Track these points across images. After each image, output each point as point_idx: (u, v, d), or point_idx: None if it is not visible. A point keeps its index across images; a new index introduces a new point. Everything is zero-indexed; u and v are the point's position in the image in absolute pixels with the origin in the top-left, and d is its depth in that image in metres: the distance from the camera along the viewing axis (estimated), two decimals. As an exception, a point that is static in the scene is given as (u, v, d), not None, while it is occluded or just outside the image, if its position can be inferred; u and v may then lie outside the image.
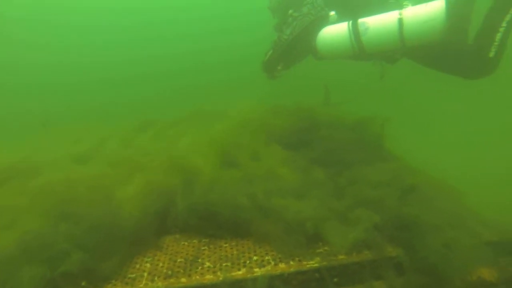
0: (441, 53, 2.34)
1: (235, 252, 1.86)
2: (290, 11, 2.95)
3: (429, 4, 2.17)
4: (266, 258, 1.78)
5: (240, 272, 1.68)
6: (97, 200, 2.03)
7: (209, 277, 1.64)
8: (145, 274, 1.72)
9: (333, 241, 1.84)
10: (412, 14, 2.21)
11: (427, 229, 1.79)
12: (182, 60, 13.63)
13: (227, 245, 1.94)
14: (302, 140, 3.06)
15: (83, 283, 1.66)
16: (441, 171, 2.73)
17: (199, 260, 1.80)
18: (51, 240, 1.77)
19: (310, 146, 2.99)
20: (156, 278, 1.67)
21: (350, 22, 2.51)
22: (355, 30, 2.45)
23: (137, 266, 1.80)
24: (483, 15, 2.18)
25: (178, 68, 13.25)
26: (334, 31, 2.63)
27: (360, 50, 2.52)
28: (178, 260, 1.81)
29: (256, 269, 1.69)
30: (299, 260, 1.75)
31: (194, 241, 1.98)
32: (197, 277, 1.65)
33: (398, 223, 1.88)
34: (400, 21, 2.23)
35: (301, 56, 3.12)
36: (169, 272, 1.71)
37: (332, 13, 2.75)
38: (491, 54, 2.03)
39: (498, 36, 2.00)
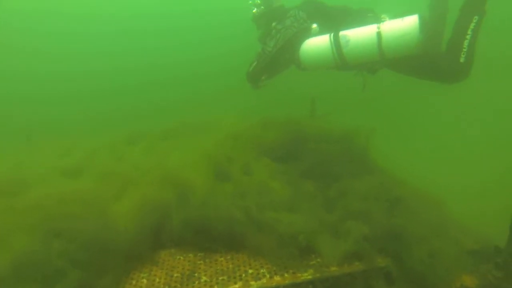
0: (418, 63, 2.49)
1: (230, 266, 1.89)
2: (274, 24, 3.05)
3: (405, 19, 2.33)
4: (261, 271, 1.83)
5: (236, 286, 1.72)
6: (91, 216, 2.02)
7: (206, 292, 1.67)
8: (142, 290, 1.73)
9: (325, 253, 1.91)
10: (389, 28, 2.36)
11: (413, 239, 1.89)
12: (167, 71, 13.60)
13: (222, 258, 1.97)
14: (291, 153, 3.14)
15: (79, 301, 1.65)
16: (423, 179, 2.88)
17: (196, 275, 1.82)
18: (44, 258, 1.76)
19: (299, 159, 3.07)
20: (153, 294, 1.69)
21: (332, 34, 2.62)
22: (336, 43, 2.56)
23: (134, 282, 1.81)
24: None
25: (163, 79, 13.20)
26: (317, 43, 2.72)
27: (341, 61, 2.62)
28: (175, 275, 1.83)
29: (252, 282, 1.73)
30: (293, 273, 1.80)
31: (190, 255, 2.01)
32: (195, 291, 1.67)
33: (387, 234, 1.97)
34: (379, 34, 2.37)
35: (285, 66, 3.21)
36: (166, 288, 1.73)
37: (314, 25, 2.85)
38: (462, 60, 2.23)
39: (466, 43, 2.20)
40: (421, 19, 2.27)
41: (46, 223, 1.97)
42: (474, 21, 2.17)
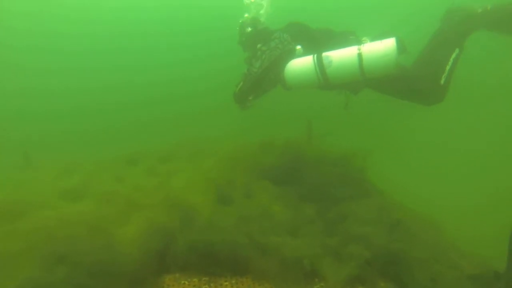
0: (399, 83, 2.62)
1: (235, 290, 1.90)
2: (259, 46, 3.14)
3: (383, 41, 2.47)
4: (266, 295, 1.84)
5: (242, 311, 1.72)
6: (95, 239, 2.02)
7: (212, 317, 1.67)
8: (147, 316, 1.72)
9: (329, 277, 1.94)
10: (369, 50, 2.48)
11: (414, 263, 1.93)
12: (157, 89, 13.66)
13: (227, 283, 1.98)
14: (290, 175, 3.20)
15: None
16: (420, 200, 2.95)
17: (201, 300, 1.82)
18: (49, 284, 1.74)
19: (298, 181, 3.13)
20: (159, 320, 1.68)
21: (315, 55, 2.71)
22: (320, 63, 2.65)
23: (139, 307, 1.80)
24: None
25: (154, 97, 13.20)
26: (301, 64, 2.81)
27: (325, 81, 2.71)
28: (180, 300, 1.83)
29: (258, 307, 1.74)
30: (298, 297, 1.82)
31: (195, 279, 2.01)
32: (201, 317, 1.67)
33: (388, 258, 2.01)
34: (360, 55, 2.49)
35: (271, 86, 3.27)
36: (172, 313, 1.72)
37: (298, 47, 2.94)
38: (442, 81, 2.40)
39: (447, 67, 2.40)
40: (398, 41, 2.41)
41: (49, 246, 1.96)
42: (456, 52, 2.39)
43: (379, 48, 2.44)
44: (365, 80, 2.61)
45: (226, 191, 2.69)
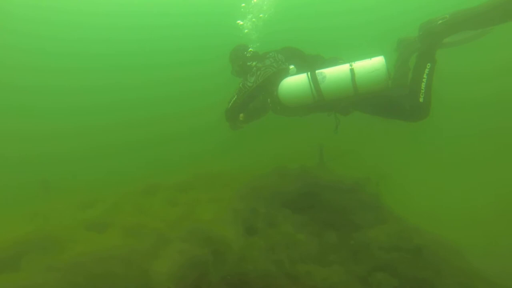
0: (386, 103, 2.79)
1: (271, 322, 1.96)
2: (254, 63, 3.27)
3: (373, 59, 2.66)
4: (302, 327, 1.90)
5: None
6: (132, 274, 2.09)
7: None
8: None
9: (361, 306, 2.01)
10: (360, 66, 2.66)
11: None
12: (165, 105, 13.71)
13: (262, 314, 2.03)
14: (308, 202, 3.28)
15: None
16: (439, 223, 3.02)
17: (239, 333, 1.87)
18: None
19: (317, 208, 3.22)
20: None
21: (309, 72, 2.82)
22: (314, 79, 2.79)
23: None
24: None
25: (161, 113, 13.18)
26: (295, 80, 2.93)
27: (319, 97, 2.82)
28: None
29: None
30: (333, 328, 1.88)
31: (230, 311, 2.06)
32: None
33: (416, 286, 2.09)
34: (352, 71, 2.66)
35: (262, 109, 3.39)
36: None
37: (292, 66, 3.07)
38: (421, 100, 2.55)
39: (423, 85, 2.55)
40: (386, 58, 2.62)
41: (88, 283, 2.03)
42: (428, 67, 2.56)
43: (370, 64, 2.64)
44: (357, 96, 2.75)
45: (250, 220, 2.77)
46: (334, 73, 2.73)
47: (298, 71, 3.00)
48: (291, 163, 4.12)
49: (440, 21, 2.57)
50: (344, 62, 2.86)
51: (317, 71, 2.79)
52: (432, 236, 2.67)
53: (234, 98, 3.21)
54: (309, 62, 3.07)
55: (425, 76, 2.54)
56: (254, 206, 3.04)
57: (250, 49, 3.53)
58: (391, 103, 2.75)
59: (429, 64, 2.56)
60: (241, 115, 3.33)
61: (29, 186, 4.34)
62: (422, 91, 2.53)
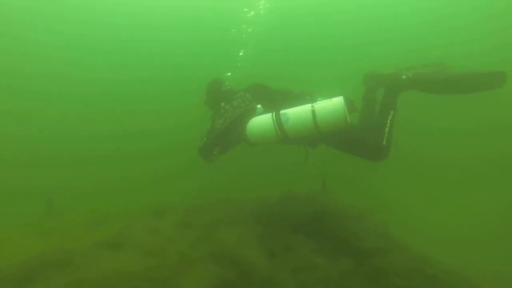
0: (351, 141, 2.97)
1: None
2: (222, 104, 3.36)
3: (333, 99, 2.80)
4: None
5: None
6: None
7: None
8: None
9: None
10: (321, 107, 2.80)
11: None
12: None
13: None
14: (319, 228, 3.38)
15: None
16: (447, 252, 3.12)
17: None
18: None
19: (327, 234, 3.31)
20: None
21: (274, 113, 2.94)
22: (278, 120, 2.92)
23: None
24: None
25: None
26: (261, 121, 3.05)
27: (284, 136, 2.96)
28: None
29: None
30: None
31: (258, 334, 2.09)
32: None
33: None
34: (313, 112, 2.79)
35: (235, 142, 3.44)
36: None
37: (259, 106, 3.23)
38: (384, 143, 2.80)
39: (386, 130, 2.80)
40: (345, 99, 2.77)
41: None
42: (391, 114, 2.83)
43: (330, 105, 2.77)
44: (320, 134, 2.91)
45: (269, 244, 2.84)
46: (297, 114, 2.87)
47: (265, 110, 3.15)
48: (296, 187, 4.24)
49: (404, 77, 2.88)
50: (312, 98, 3.05)
51: (281, 112, 2.92)
52: (442, 265, 2.79)
53: (204, 140, 3.32)
54: (275, 100, 3.22)
55: (388, 122, 2.81)
56: (270, 230, 3.12)
57: (226, 83, 3.66)
58: (355, 142, 2.94)
59: (392, 111, 2.85)
60: (216, 149, 3.40)
61: (36, 203, 4.27)
62: (385, 135, 2.79)
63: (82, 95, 14.58)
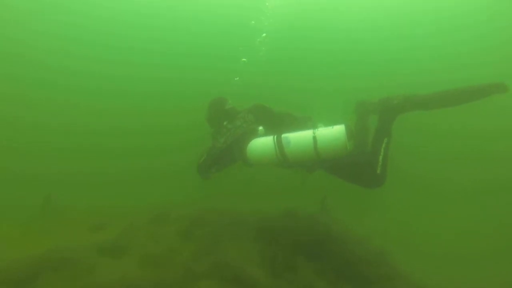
0: (348, 170, 3.02)
1: None
2: (225, 123, 3.36)
3: (335, 127, 2.86)
4: None
5: None
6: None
7: None
8: None
9: None
10: (323, 134, 2.81)
11: None
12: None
13: None
14: (320, 250, 3.38)
15: None
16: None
17: None
18: None
19: (328, 257, 3.31)
20: None
21: (275, 136, 2.96)
22: (279, 144, 2.95)
23: None
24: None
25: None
26: (262, 143, 3.08)
27: (284, 159, 2.99)
28: None
29: None
30: None
31: None
32: None
33: None
34: (315, 138, 2.84)
35: (233, 161, 3.45)
36: None
37: (260, 127, 3.26)
38: (378, 171, 2.82)
39: (380, 158, 2.82)
40: (347, 127, 2.83)
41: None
42: (385, 141, 2.85)
43: (331, 133, 2.83)
44: (319, 160, 2.96)
45: (271, 262, 2.83)
46: (298, 139, 2.91)
47: (267, 132, 3.18)
48: (295, 203, 4.23)
49: (396, 101, 2.91)
50: (313, 123, 3.10)
51: (283, 136, 2.96)
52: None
53: (204, 157, 3.31)
54: (277, 122, 3.26)
55: (382, 150, 2.83)
56: (271, 248, 3.10)
57: (229, 102, 3.65)
58: (351, 170, 2.99)
59: (386, 138, 2.87)
60: (215, 166, 3.40)
61: (35, 204, 4.18)
62: (379, 163, 2.81)
63: (99, 90, 14.32)
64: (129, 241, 3.15)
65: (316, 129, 2.87)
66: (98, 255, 2.83)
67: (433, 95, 2.80)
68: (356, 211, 4.69)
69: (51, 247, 2.82)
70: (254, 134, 3.19)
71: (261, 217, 3.86)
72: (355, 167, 2.94)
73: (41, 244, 2.90)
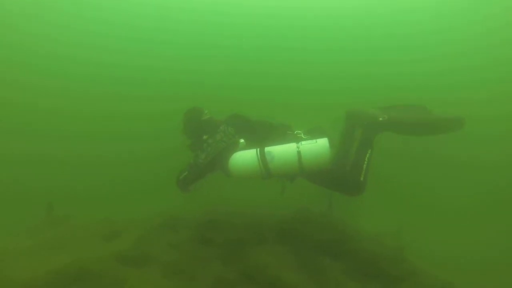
0: (330, 177, 3.09)
1: None
2: (205, 137, 3.29)
3: (318, 141, 2.95)
4: None
5: None
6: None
7: None
8: None
9: None
10: (307, 148, 2.90)
11: None
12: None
13: None
14: (340, 250, 3.36)
15: None
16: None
17: None
18: None
19: (350, 256, 3.30)
20: None
21: (258, 150, 2.97)
22: (263, 158, 2.94)
23: None
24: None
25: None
26: (245, 157, 3.05)
27: (267, 173, 3.03)
28: None
29: None
30: None
31: None
32: None
33: None
34: (299, 153, 2.88)
35: (212, 172, 3.41)
36: None
37: (242, 140, 3.20)
38: (362, 178, 2.94)
39: (364, 166, 2.95)
40: (330, 141, 2.95)
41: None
42: (368, 153, 2.99)
43: (315, 147, 2.93)
44: (303, 173, 3.05)
45: (300, 265, 2.79)
46: (282, 153, 2.95)
47: (247, 144, 3.15)
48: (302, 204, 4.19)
49: (381, 119, 3.03)
50: (292, 134, 3.15)
51: (266, 150, 2.97)
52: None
53: (185, 174, 3.24)
54: (257, 133, 3.24)
55: (366, 160, 2.96)
56: (296, 250, 3.07)
57: (206, 111, 3.56)
58: (334, 178, 3.06)
59: (369, 150, 3.00)
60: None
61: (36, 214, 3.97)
62: (363, 171, 2.93)
63: (104, 94, 13.74)
64: (148, 249, 3.03)
65: (300, 143, 2.94)
66: (120, 265, 2.71)
67: (412, 123, 2.99)
68: (355, 212, 4.67)
69: (72, 259, 2.68)
70: (236, 147, 3.14)
71: (277, 220, 3.81)
72: (338, 176, 3.03)
73: (57, 255, 2.74)
